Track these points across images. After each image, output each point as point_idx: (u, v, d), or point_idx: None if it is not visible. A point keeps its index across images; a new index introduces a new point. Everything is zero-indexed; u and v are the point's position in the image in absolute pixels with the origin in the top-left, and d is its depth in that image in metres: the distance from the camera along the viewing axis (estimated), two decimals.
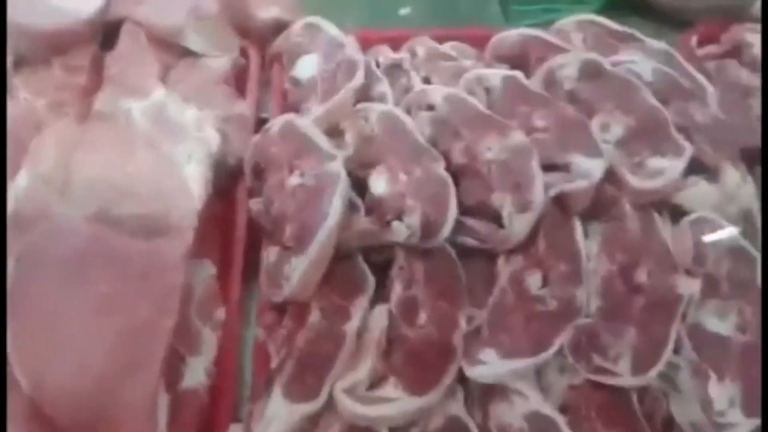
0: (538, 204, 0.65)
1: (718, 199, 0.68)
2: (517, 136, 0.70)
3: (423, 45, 0.89)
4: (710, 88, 0.82)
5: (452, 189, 0.66)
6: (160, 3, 0.83)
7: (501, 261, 0.64)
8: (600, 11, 1.07)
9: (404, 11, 1.08)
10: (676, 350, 0.60)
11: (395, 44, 0.91)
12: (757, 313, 0.62)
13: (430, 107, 0.75)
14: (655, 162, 0.70)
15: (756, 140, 0.76)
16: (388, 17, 1.07)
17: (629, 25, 1.04)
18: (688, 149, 0.71)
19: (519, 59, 0.85)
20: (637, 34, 0.90)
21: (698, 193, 0.68)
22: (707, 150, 0.73)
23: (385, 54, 0.87)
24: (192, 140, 0.67)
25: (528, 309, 0.61)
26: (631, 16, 1.07)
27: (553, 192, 0.66)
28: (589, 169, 0.68)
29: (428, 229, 0.63)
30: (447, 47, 0.89)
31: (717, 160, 0.72)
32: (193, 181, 0.64)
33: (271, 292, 0.61)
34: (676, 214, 0.69)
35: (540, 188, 0.65)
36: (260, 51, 0.89)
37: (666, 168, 0.69)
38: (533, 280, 0.62)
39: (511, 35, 0.86)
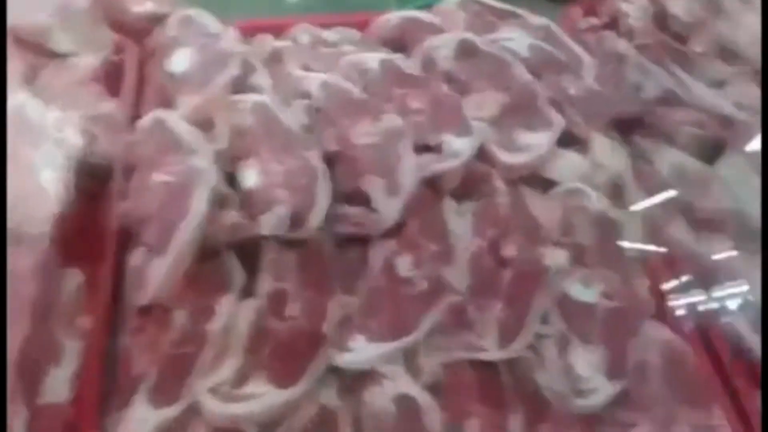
0: (407, 186, 0.65)
1: (586, 170, 0.70)
2: (390, 120, 0.70)
3: (306, 32, 0.88)
4: (588, 60, 0.83)
5: (323, 178, 0.65)
6: (24, 3, 0.80)
7: (375, 246, 0.64)
8: None
9: None
10: (546, 320, 0.61)
11: (282, 32, 0.90)
12: (621, 279, 0.63)
13: (307, 95, 0.74)
14: (525, 137, 0.71)
15: (630, 108, 0.78)
16: (279, 5, 1.06)
17: (522, 1, 1.05)
18: (558, 122, 0.72)
19: (399, 42, 0.84)
20: (519, 11, 0.90)
21: (567, 165, 0.70)
22: (579, 122, 0.74)
23: (267, 43, 0.86)
24: (52, 143, 0.65)
25: (398, 292, 0.61)
26: None
27: (423, 173, 0.66)
28: (459, 148, 0.68)
29: (296, 219, 0.62)
30: (331, 33, 0.88)
31: (587, 131, 0.73)
32: (51, 186, 0.62)
33: (135, 295, 0.59)
34: (548, 186, 0.69)
35: (409, 170, 0.65)
36: (139, 46, 0.86)
37: (535, 142, 0.70)
38: (404, 263, 0.62)
39: (391, 18, 0.86)
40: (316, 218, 0.63)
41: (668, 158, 0.73)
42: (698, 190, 0.70)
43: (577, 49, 0.85)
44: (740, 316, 0.63)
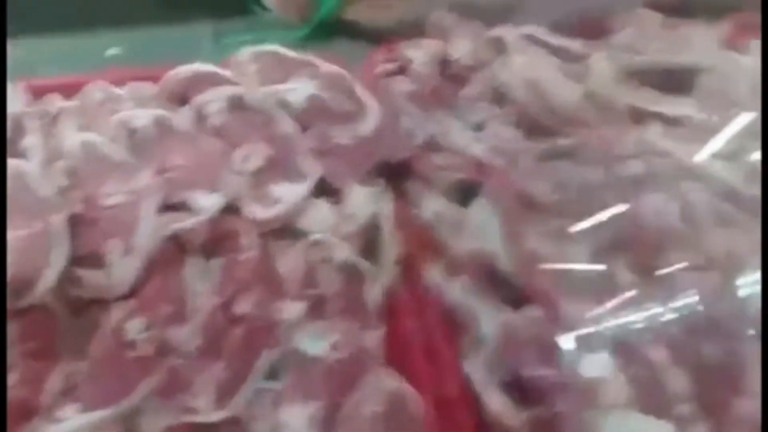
0: (144, 247, 0.65)
1: (336, 220, 0.70)
2: (139, 179, 0.70)
3: (99, 89, 0.88)
4: (373, 108, 0.85)
5: (59, 242, 0.65)
6: None
7: (110, 309, 0.64)
8: (310, 36, 1.10)
9: (111, 52, 1.08)
10: (274, 376, 0.61)
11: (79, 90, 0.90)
12: (357, 329, 0.64)
13: (69, 156, 0.74)
14: (278, 190, 0.72)
15: (399, 155, 0.80)
16: (96, 60, 1.06)
17: (338, 48, 1.08)
18: (315, 173, 0.73)
19: (186, 96, 0.85)
20: (314, 59, 0.91)
21: (317, 216, 0.70)
22: (339, 171, 0.75)
23: (54, 103, 0.86)
24: None
25: (123, 356, 0.60)
26: (341, 39, 1.11)
27: (164, 233, 0.66)
28: (205, 205, 0.69)
29: (21, 287, 0.62)
30: (124, 90, 0.89)
31: (345, 180, 0.74)
32: None
33: None
34: (300, 239, 0.70)
35: (147, 230, 0.66)
36: None
37: (287, 195, 0.71)
38: (135, 326, 0.62)
39: (180, 72, 0.87)
40: (44, 285, 0.62)
41: (430, 203, 0.74)
42: (453, 232, 0.72)
43: (366, 96, 0.86)
44: (478, 364, 0.64)
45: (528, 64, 0.81)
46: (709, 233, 0.70)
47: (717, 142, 0.80)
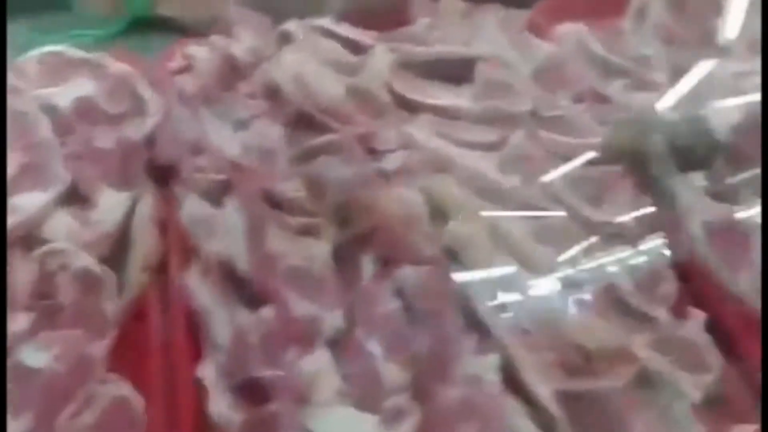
0: None
1: (80, 227, 0.70)
2: None
3: None
4: (154, 108, 0.84)
5: None
6: None
7: None
8: (124, 32, 1.08)
9: None
10: None
11: None
12: (87, 337, 0.64)
13: None
14: (20, 198, 0.71)
15: (165, 157, 0.79)
16: None
17: (152, 42, 1.06)
18: (64, 180, 0.73)
19: None
20: (104, 59, 0.90)
21: (57, 224, 0.70)
22: (92, 177, 0.74)
23: None
24: None
25: None
26: (154, 33, 1.10)
27: None
28: None
29: None
30: None
31: (97, 186, 0.74)
32: None
33: None
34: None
35: None
36: None
37: (28, 203, 0.70)
38: None
39: None
40: None
41: (188, 204, 0.74)
42: (206, 235, 0.72)
43: (150, 97, 0.85)
44: (212, 367, 0.64)
45: (298, 59, 0.81)
46: (449, 225, 0.72)
47: (482, 133, 0.82)
